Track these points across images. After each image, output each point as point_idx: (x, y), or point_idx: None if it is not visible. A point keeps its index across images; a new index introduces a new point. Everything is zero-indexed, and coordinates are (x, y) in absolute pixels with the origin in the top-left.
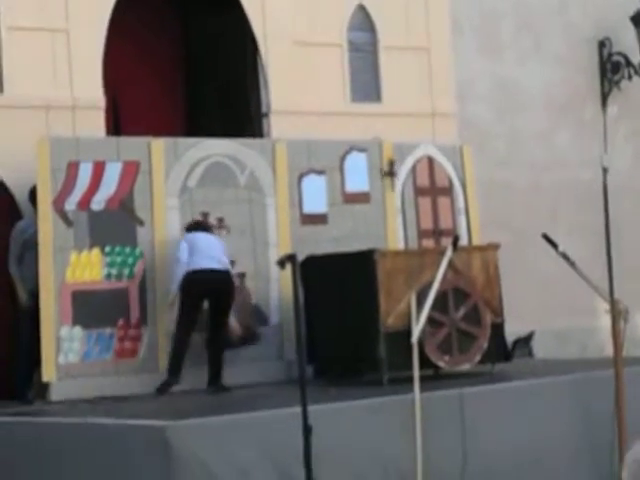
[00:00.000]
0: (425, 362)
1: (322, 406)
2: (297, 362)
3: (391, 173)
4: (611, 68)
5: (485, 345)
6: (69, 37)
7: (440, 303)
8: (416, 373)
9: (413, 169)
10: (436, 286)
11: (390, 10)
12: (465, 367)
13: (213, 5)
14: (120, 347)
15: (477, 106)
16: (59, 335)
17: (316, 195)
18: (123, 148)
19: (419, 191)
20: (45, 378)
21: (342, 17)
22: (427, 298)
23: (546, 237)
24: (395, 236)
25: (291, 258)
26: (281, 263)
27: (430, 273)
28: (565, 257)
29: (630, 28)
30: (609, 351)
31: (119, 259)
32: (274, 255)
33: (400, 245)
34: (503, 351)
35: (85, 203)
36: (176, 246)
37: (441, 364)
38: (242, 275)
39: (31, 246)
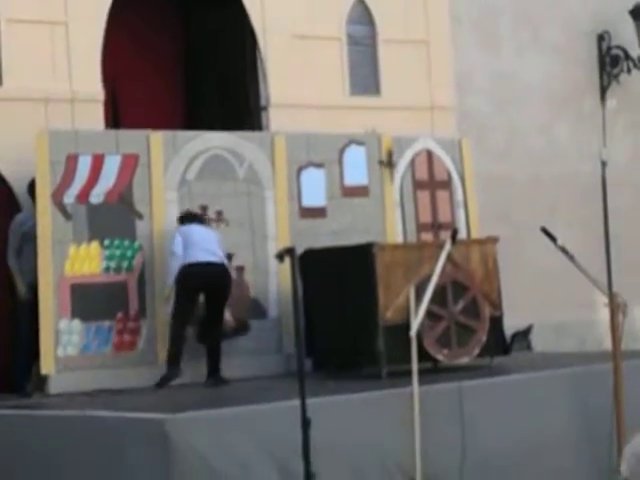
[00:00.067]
0: (424, 355)
1: (321, 399)
2: (296, 355)
3: (390, 163)
4: (610, 61)
5: (484, 338)
6: (68, 30)
7: (439, 296)
8: (415, 366)
9: (412, 162)
10: (435, 279)
11: (389, 3)
12: (464, 360)
13: None
14: (119, 340)
15: (476, 99)
16: (58, 328)
17: (315, 188)
18: (122, 141)
19: (418, 184)
20: (44, 371)
21: (341, 10)
22: (426, 291)
23: (545, 230)
24: (394, 229)
25: (290, 251)
26: (280, 256)
27: (429, 266)
28: (564, 250)
29: (629, 21)
30: (608, 344)
31: (118, 252)
32: (273, 248)
33: (399, 238)
34: (502, 344)
35: (84, 196)
36: (171, 239)
37: (440, 357)
38: (241, 268)
39: (30, 239)
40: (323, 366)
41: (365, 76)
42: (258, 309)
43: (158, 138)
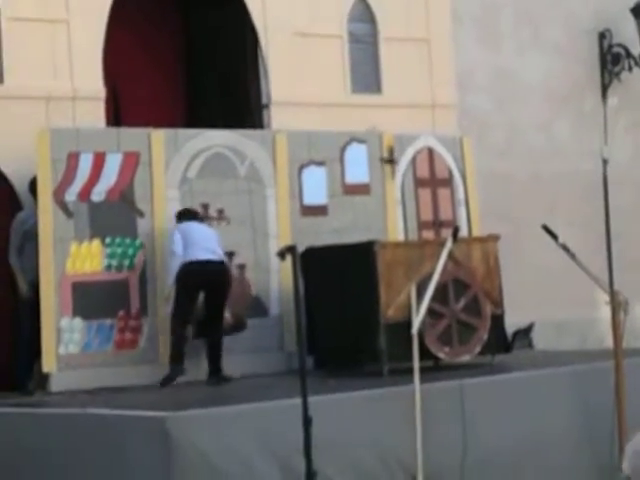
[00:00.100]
0: (425, 353)
1: (322, 397)
2: (297, 353)
3: (391, 160)
4: (611, 59)
5: (485, 336)
6: (69, 28)
7: (440, 294)
8: (416, 364)
9: (413, 160)
10: (436, 277)
11: (390, 1)
12: (465, 358)
13: None
14: (120, 338)
15: (477, 97)
16: (59, 326)
17: (316, 186)
18: (123, 139)
19: (419, 182)
20: (45, 369)
21: (342, 8)
22: (427, 289)
23: (546, 228)
24: (395, 227)
25: (291, 249)
26: (281, 254)
27: (430, 264)
28: (565, 248)
29: (630, 19)
30: (609, 342)
31: (119, 250)
32: (274, 246)
33: (400, 236)
34: (503, 342)
35: (85, 194)
36: (170, 238)
37: (441, 355)
38: (242, 266)
39: (31, 237)
40: (324, 364)
41: (366, 74)
42: (259, 307)
43: (159, 136)
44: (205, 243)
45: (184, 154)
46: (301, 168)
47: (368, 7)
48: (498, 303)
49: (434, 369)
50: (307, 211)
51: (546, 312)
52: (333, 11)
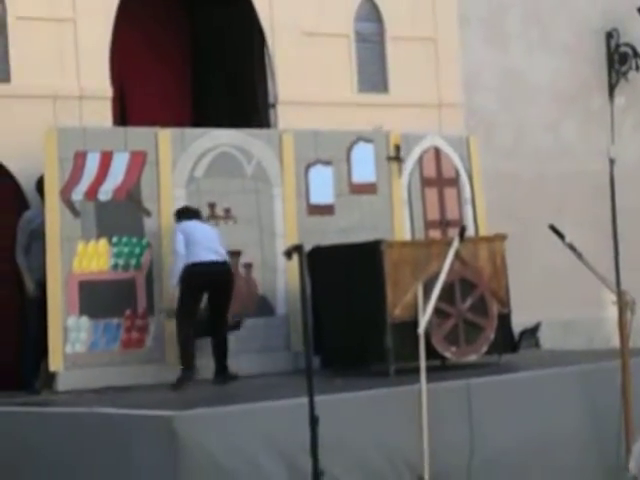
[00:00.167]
0: (432, 353)
1: (329, 397)
2: (304, 353)
3: (397, 158)
4: (619, 59)
5: (492, 336)
6: (76, 27)
7: (447, 294)
8: (423, 364)
9: (420, 160)
10: (443, 277)
11: (397, 1)
12: (472, 358)
13: None
14: (127, 337)
15: (484, 97)
16: (66, 325)
17: (323, 186)
18: (130, 138)
19: (426, 182)
20: (52, 368)
21: (349, 8)
22: (434, 289)
23: (553, 228)
24: (402, 227)
25: (298, 249)
26: (288, 254)
27: (437, 264)
28: (572, 248)
29: (638, 19)
30: (616, 342)
31: (126, 249)
32: (281, 246)
33: (407, 236)
34: (510, 342)
35: (92, 193)
36: (172, 238)
37: (448, 355)
38: (249, 265)
39: (38, 236)
40: (331, 363)
41: (373, 73)
42: (266, 306)
43: (166, 135)
44: (208, 243)
45: (191, 153)
46: (308, 167)
47: (375, 6)
48: (505, 303)
49: (441, 369)
50: (314, 210)
51: (553, 312)
52: (340, 10)
